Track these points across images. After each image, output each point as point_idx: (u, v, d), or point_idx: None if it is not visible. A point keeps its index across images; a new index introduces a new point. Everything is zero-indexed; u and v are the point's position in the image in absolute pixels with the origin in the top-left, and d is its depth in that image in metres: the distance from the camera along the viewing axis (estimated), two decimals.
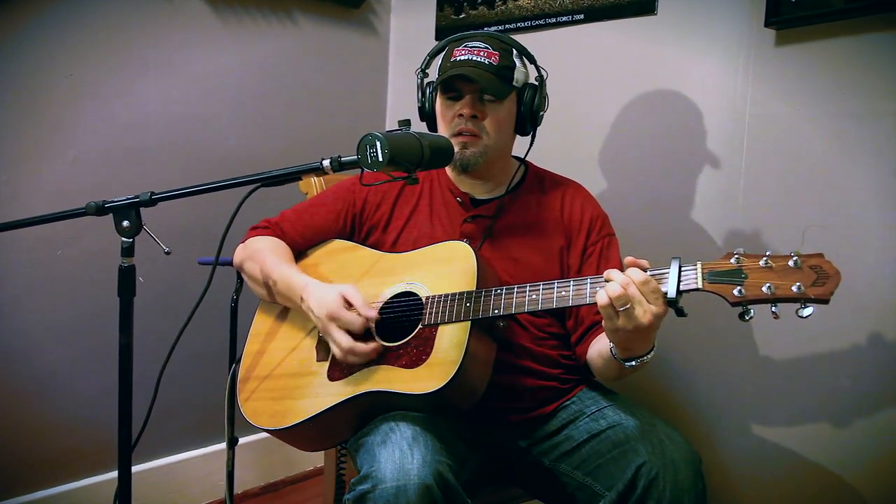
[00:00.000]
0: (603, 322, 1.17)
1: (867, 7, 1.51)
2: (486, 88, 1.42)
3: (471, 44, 1.46)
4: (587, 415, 1.41)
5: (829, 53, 1.59)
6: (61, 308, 1.89)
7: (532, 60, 1.52)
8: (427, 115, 1.54)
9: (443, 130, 1.49)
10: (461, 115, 1.44)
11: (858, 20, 1.53)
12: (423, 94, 1.53)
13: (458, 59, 1.44)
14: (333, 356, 1.38)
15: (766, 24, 1.64)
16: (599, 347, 1.36)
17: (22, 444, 1.85)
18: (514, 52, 1.49)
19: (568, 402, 1.46)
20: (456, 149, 1.43)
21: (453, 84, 1.45)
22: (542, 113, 1.51)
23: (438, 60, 1.51)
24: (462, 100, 1.45)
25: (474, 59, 1.43)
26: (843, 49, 1.57)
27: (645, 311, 1.11)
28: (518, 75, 1.46)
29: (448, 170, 1.57)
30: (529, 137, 1.55)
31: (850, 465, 1.61)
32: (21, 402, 1.84)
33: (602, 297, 1.12)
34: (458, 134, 1.45)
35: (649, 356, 1.23)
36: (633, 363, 1.24)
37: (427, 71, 1.55)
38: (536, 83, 1.51)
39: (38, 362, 1.86)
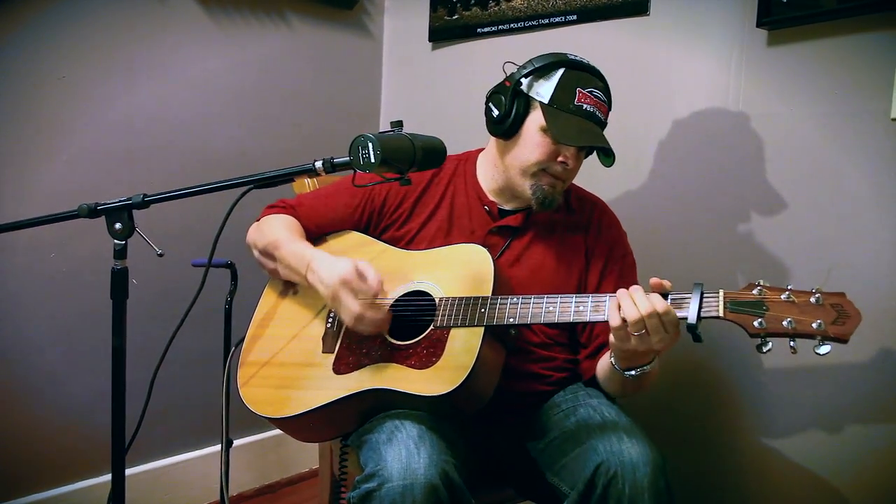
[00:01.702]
0: (612, 340, 1.19)
1: (858, 7, 1.52)
2: (603, 159, 1.41)
3: (595, 92, 1.40)
4: (562, 409, 1.42)
5: (821, 53, 1.60)
6: (54, 310, 1.88)
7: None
8: (509, 126, 1.41)
9: (530, 156, 1.41)
10: (564, 161, 1.40)
11: (850, 20, 1.54)
12: (512, 101, 1.40)
13: (584, 107, 1.38)
14: (340, 350, 1.37)
15: (758, 25, 1.64)
16: (603, 363, 1.39)
17: (14, 447, 1.84)
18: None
19: (556, 398, 1.47)
20: (541, 184, 1.41)
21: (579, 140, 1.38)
22: None
23: (548, 80, 1.39)
24: (569, 147, 1.39)
25: (598, 114, 1.40)
26: (835, 49, 1.58)
27: (661, 339, 1.13)
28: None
29: (481, 177, 1.54)
30: None
31: (849, 468, 1.61)
32: (13, 404, 1.83)
33: (615, 320, 1.14)
34: (549, 172, 1.41)
35: (649, 367, 1.25)
36: (633, 373, 1.26)
37: (522, 81, 1.41)
38: None
39: (31, 365, 1.85)
